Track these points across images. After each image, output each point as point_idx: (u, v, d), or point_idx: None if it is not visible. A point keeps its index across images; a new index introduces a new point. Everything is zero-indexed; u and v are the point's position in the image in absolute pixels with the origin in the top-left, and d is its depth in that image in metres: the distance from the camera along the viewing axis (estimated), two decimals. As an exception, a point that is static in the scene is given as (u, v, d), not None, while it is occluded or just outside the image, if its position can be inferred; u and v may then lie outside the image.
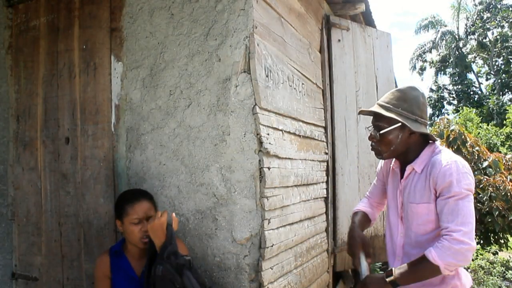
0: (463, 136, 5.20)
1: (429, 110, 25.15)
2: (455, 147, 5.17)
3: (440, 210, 1.58)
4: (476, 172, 5.24)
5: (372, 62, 3.70)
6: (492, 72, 23.11)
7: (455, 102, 23.84)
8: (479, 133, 14.03)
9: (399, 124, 1.66)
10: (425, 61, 25.61)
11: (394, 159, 1.85)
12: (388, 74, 3.87)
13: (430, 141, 1.75)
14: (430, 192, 1.63)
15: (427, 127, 1.72)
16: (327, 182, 3.03)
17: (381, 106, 1.71)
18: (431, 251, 1.52)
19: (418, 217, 1.69)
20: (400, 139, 1.67)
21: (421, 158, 1.69)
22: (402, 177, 1.79)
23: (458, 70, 23.72)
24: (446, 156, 1.63)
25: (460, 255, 1.47)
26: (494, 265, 5.45)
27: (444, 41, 24.09)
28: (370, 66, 3.68)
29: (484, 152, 5.46)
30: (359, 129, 3.46)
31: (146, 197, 1.88)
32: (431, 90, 25.15)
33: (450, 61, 24.09)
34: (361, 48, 3.60)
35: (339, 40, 3.39)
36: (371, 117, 1.81)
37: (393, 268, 1.63)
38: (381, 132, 1.69)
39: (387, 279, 1.60)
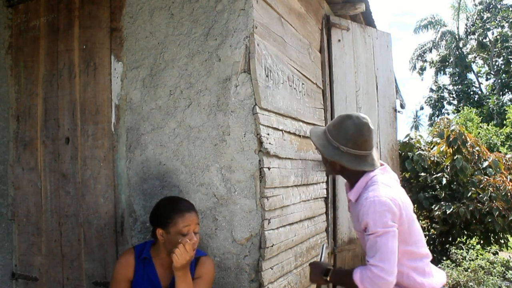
0: (463, 136, 5.20)
1: (429, 110, 25.18)
2: (456, 147, 5.17)
3: (364, 243, 1.70)
4: (476, 172, 5.24)
5: (372, 62, 3.70)
6: (492, 72, 23.10)
7: (455, 102, 23.83)
8: (479, 133, 14.04)
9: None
10: (425, 61, 25.61)
11: None
12: (388, 74, 3.87)
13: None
14: (360, 224, 1.71)
15: (354, 158, 1.72)
16: (327, 182, 3.03)
17: (322, 131, 1.83)
18: (357, 272, 1.62)
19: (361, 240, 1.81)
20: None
21: (356, 188, 1.76)
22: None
23: (458, 70, 23.73)
24: (372, 193, 1.65)
25: (377, 286, 1.54)
26: (494, 265, 5.43)
27: (444, 41, 24.11)
28: (370, 66, 3.68)
29: (484, 152, 5.47)
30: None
31: (195, 210, 1.79)
32: (431, 90, 25.14)
33: (450, 61, 24.10)
34: (361, 48, 3.60)
35: (339, 40, 3.39)
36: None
37: (331, 269, 1.76)
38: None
39: (324, 277, 1.76)
